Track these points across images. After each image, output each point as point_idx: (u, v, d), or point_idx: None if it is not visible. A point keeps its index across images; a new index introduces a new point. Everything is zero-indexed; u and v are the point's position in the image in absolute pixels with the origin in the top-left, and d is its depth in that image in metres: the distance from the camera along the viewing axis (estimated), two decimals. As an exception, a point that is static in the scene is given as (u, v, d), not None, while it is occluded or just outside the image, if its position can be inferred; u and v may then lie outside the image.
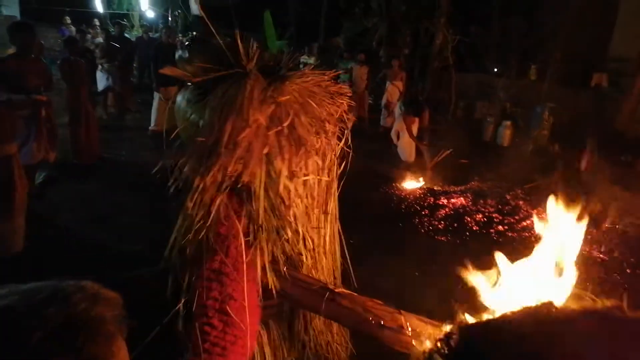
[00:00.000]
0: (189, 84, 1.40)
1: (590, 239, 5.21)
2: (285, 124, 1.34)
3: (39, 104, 4.99)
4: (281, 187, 1.35)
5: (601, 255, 4.86)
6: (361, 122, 10.40)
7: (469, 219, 5.54)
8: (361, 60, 10.46)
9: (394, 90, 9.73)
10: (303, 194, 1.44)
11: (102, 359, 0.70)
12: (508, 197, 6.08)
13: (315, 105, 1.40)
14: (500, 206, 5.84)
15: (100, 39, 11.57)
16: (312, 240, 1.50)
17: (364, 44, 14.38)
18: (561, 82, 9.42)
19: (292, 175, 1.39)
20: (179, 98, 1.42)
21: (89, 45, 10.11)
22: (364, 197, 5.74)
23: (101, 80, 9.15)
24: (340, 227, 1.60)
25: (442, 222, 5.51)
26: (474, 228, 5.38)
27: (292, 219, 1.41)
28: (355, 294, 1.40)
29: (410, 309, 1.39)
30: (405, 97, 8.51)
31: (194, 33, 15.84)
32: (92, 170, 6.42)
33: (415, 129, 7.41)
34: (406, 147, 7.60)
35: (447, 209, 5.76)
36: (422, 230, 5.35)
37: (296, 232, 1.43)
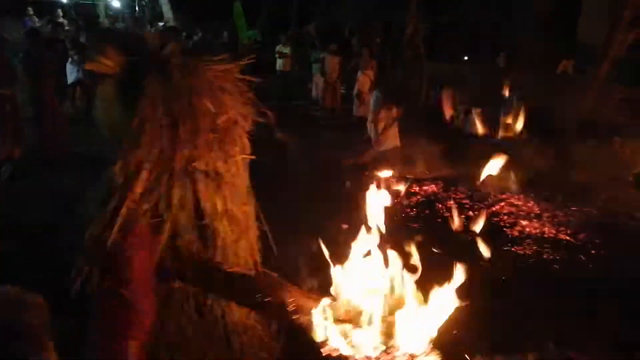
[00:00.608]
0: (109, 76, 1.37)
1: (557, 222, 5.38)
2: (220, 112, 1.38)
3: (2, 99, 4.86)
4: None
5: (567, 237, 5.02)
6: (334, 112, 10.42)
7: (440, 205, 5.64)
8: (333, 50, 10.45)
9: (365, 80, 9.74)
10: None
11: None
12: (478, 183, 6.20)
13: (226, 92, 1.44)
14: (470, 192, 5.95)
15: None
16: (235, 221, 1.54)
17: (336, 34, 14.36)
18: (528, 69, 9.60)
19: (226, 159, 1.44)
20: (100, 92, 1.39)
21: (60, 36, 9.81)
22: (337, 187, 5.78)
23: (72, 73, 8.92)
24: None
25: (414, 209, 5.59)
26: (445, 214, 5.48)
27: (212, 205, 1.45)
28: (248, 273, 1.49)
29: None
30: (381, 85, 8.35)
31: (164, 23, 15.57)
32: (61, 166, 6.25)
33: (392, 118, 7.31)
34: (382, 136, 7.56)
35: (418, 197, 5.85)
36: (395, 218, 5.42)
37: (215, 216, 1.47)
